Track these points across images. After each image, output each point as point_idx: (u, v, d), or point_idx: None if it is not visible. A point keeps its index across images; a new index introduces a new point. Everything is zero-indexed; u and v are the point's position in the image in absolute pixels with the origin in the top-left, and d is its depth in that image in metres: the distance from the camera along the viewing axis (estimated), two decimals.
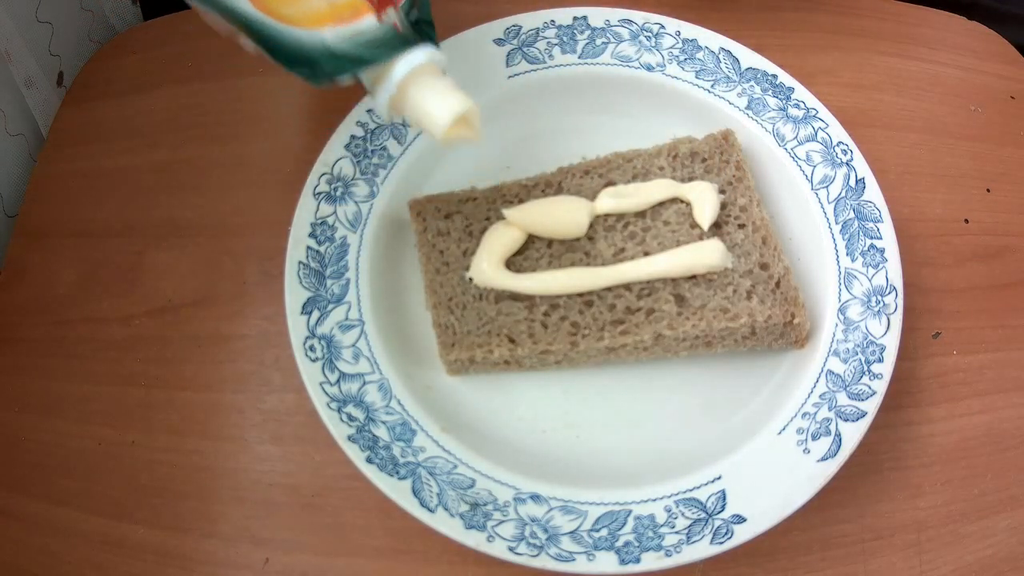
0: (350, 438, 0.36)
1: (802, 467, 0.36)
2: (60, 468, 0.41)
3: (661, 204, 0.41)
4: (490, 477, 0.36)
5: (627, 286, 0.39)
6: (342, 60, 0.33)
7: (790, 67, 0.45)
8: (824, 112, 0.44)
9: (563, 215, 0.40)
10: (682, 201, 0.41)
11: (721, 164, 0.42)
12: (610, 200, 0.41)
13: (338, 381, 0.37)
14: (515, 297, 0.39)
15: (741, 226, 0.40)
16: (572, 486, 0.36)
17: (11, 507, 0.40)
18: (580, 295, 0.39)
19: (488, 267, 0.39)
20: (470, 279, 0.40)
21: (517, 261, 0.40)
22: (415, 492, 0.35)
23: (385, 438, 0.36)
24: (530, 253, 0.40)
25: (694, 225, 0.40)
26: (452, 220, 0.42)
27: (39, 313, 0.45)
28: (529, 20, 0.46)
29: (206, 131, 0.49)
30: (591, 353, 0.38)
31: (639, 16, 0.46)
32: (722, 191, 0.42)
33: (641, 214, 0.41)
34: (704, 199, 0.40)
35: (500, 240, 0.40)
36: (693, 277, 0.39)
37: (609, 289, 0.39)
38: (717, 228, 0.41)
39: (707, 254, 0.39)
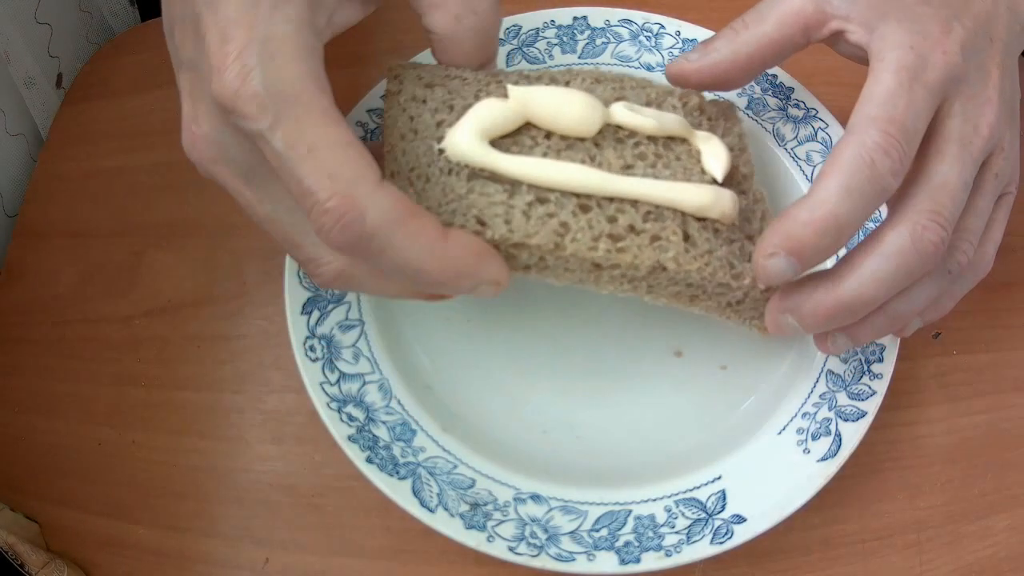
0: (350, 438, 0.36)
1: (802, 467, 0.36)
2: (60, 468, 0.41)
3: (672, 139, 0.36)
4: (490, 477, 0.36)
5: (633, 203, 0.33)
6: None
7: (790, 67, 0.45)
8: (824, 112, 0.44)
9: (575, 104, 0.34)
10: (692, 146, 0.37)
11: (725, 130, 0.39)
12: (625, 111, 0.35)
13: (338, 381, 0.37)
14: (494, 179, 0.32)
15: (743, 192, 0.37)
16: (572, 486, 0.36)
17: (11, 507, 0.40)
18: (576, 196, 0.32)
19: (467, 138, 0.32)
20: (440, 150, 0.32)
21: (504, 144, 0.33)
22: (415, 492, 0.35)
23: (385, 438, 0.36)
24: (522, 139, 0.33)
25: (704, 172, 0.36)
26: (433, 91, 0.35)
27: (39, 313, 0.45)
28: (529, 20, 0.46)
29: None
30: (572, 265, 0.32)
31: (639, 16, 0.46)
32: None
33: (653, 139, 0.36)
34: (717, 150, 0.36)
35: (490, 114, 0.33)
36: (702, 220, 0.34)
37: (611, 200, 0.33)
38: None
39: (725, 200, 0.34)
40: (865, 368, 0.38)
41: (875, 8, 0.32)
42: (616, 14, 0.47)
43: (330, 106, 0.27)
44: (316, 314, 0.39)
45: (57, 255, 0.47)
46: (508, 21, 0.46)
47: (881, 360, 0.38)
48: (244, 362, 0.43)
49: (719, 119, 0.39)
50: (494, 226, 0.31)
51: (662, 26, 0.46)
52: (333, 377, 0.37)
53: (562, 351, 0.41)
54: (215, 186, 0.48)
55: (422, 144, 0.33)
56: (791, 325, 0.32)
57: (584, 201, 0.32)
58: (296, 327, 0.38)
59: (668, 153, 0.35)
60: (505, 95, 0.33)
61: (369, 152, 0.27)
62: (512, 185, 0.32)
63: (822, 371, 0.38)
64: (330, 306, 0.39)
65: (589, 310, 0.42)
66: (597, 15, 0.47)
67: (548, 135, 0.34)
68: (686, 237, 0.33)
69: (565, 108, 0.33)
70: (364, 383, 0.38)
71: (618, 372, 0.40)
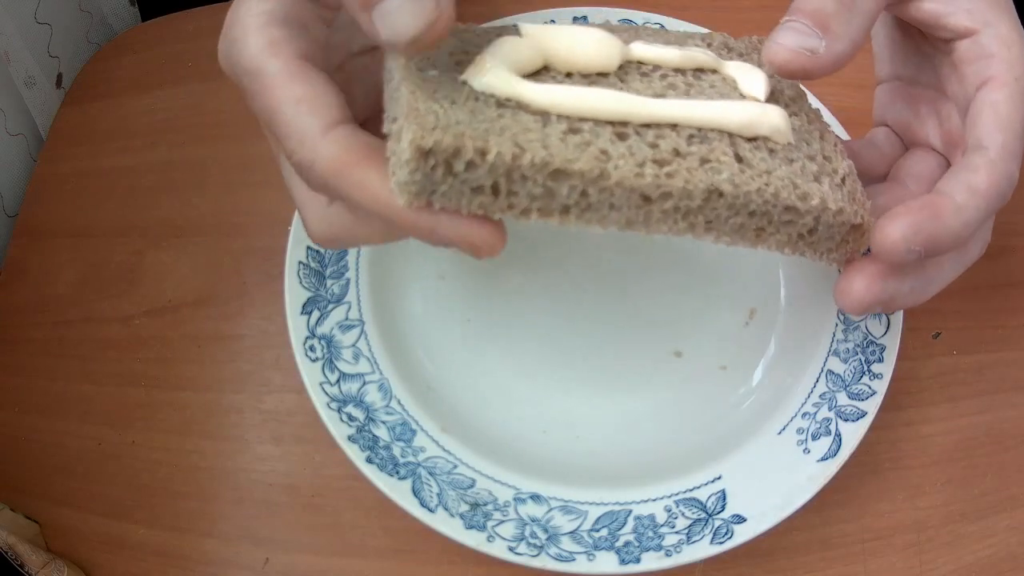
0: (350, 438, 0.36)
1: (802, 467, 0.36)
2: (60, 468, 0.41)
3: (702, 71, 0.33)
4: (490, 477, 0.36)
5: (673, 126, 0.29)
6: None
7: None
8: (824, 112, 0.44)
9: (591, 37, 0.31)
10: (725, 76, 0.33)
11: (759, 63, 0.34)
12: (645, 46, 0.32)
13: (338, 381, 0.37)
14: (524, 108, 0.28)
15: (795, 114, 0.33)
16: (572, 486, 0.36)
17: (11, 507, 0.40)
18: (611, 124, 0.29)
19: (492, 69, 0.29)
20: (464, 82, 0.29)
21: None
22: (415, 492, 0.35)
23: (385, 438, 0.36)
24: (543, 80, 0.30)
25: (744, 96, 0.32)
26: (447, 40, 0.31)
27: (39, 313, 0.45)
28: (529, 20, 0.46)
29: (206, 131, 0.49)
30: (619, 200, 0.28)
31: (639, 16, 0.46)
32: None
33: (681, 71, 0.32)
34: (753, 74, 0.32)
35: (510, 49, 0.30)
36: (753, 140, 0.30)
37: (648, 126, 0.29)
38: None
39: (773, 115, 0.30)
40: (865, 368, 0.38)
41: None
42: (616, 14, 0.47)
43: (282, 68, 0.27)
44: (316, 314, 0.39)
45: (57, 255, 0.47)
46: (508, 21, 0.46)
47: (881, 360, 0.38)
48: (244, 362, 0.43)
49: (751, 52, 0.36)
50: (532, 150, 0.27)
51: (662, 26, 0.46)
52: (333, 377, 0.37)
53: (562, 351, 0.41)
54: (215, 186, 0.48)
55: (443, 77, 0.29)
56: (876, 311, 0.32)
57: (620, 129, 0.29)
58: (296, 327, 0.38)
59: (699, 83, 0.32)
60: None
61: (330, 93, 0.28)
62: (543, 116, 0.28)
63: (822, 371, 0.38)
64: (330, 306, 0.39)
65: (590, 310, 0.42)
66: (597, 15, 0.47)
67: (568, 75, 0.31)
68: (739, 159, 0.29)
69: (581, 41, 0.30)
70: (364, 383, 0.38)
71: (618, 372, 0.40)
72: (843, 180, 0.31)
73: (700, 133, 0.30)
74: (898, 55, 0.36)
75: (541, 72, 0.30)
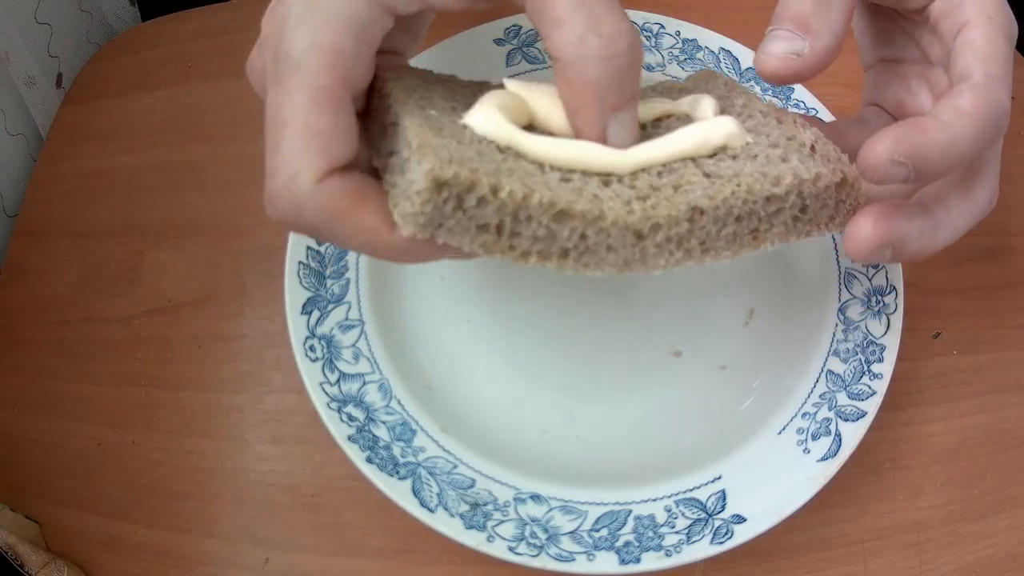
0: (350, 438, 0.36)
1: (802, 467, 0.36)
2: (60, 468, 0.41)
3: (658, 119, 0.35)
4: (490, 477, 0.36)
5: (643, 168, 0.32)
6: None
7: None
8: (824, 112, 0.44)
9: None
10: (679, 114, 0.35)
11: (707, 90, 0.36)
12: None
13: (338, 381, 0.37)
14: (522, 156, 0.30)
15: (749, 116, 0.34)
16: (572, 486, 0.36)
17: (11, 507, 0.40)
18: (596, 174, 0.31)
19: (491, 113, 0.30)
20: (464, 126, 0.30)
21: None
22: (415, 492, 0.35)
23: (385, 438, 0.36)
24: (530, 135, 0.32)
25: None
26: (435, 87, 0.33)
27: (39, 313, 0.45)
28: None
29: (206, 131, 0.49)
30: (615, 240, 0.29)
31: (639, 16, 0.46)
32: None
33: (640, 125, 0.34)
34: (700, 101, 0.34)
35: (502, 99, 0.31)
36: (715, 155, 0.32)
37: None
38: None
39: (723, 124, 0.32)
40: (865, 368, 0.38)
41: None
42: None
43: (326, 86, 0.26)
44: (316, 314, 0.39)
45: (57, 255, 0.47)
46: (508, 21, 0.46)
47: (881, 360, 0.38)
48: (244, 362, 0.43)
49: (699, 85, 0.37)
50: (540, 190, 0.28)
51: (662, 26, 0.46)
52: (333, 377, 0.37)
53: (562, 351, 0.41)
54: (215, 186, 0.48)
55: (443, 118, 0.30)
56: (886, 256, 0.31)
57: (604, 177, 0.31)
58: (296, 327, 0.38)
59: (658, 129, 0.34)
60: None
61: (343, 141, 0.26)
62: (538, 163, 0.30)
63: (822, 371, 0.38)
64: (330, 306, 0.39)
65: (589, 310, 0.42)
66: None
67: (551, 135, 0.32)
68: (707, 176, 0.31)
69: (555, 108, 0.31)
70: (364, 383, 0.38)
71: (618, 372, 0.40)
72: (812, 148, 0.32)
73: (666, 167, 0.31)
74: (881, 40, 0.36)
75: (527, 128, 0.32)
